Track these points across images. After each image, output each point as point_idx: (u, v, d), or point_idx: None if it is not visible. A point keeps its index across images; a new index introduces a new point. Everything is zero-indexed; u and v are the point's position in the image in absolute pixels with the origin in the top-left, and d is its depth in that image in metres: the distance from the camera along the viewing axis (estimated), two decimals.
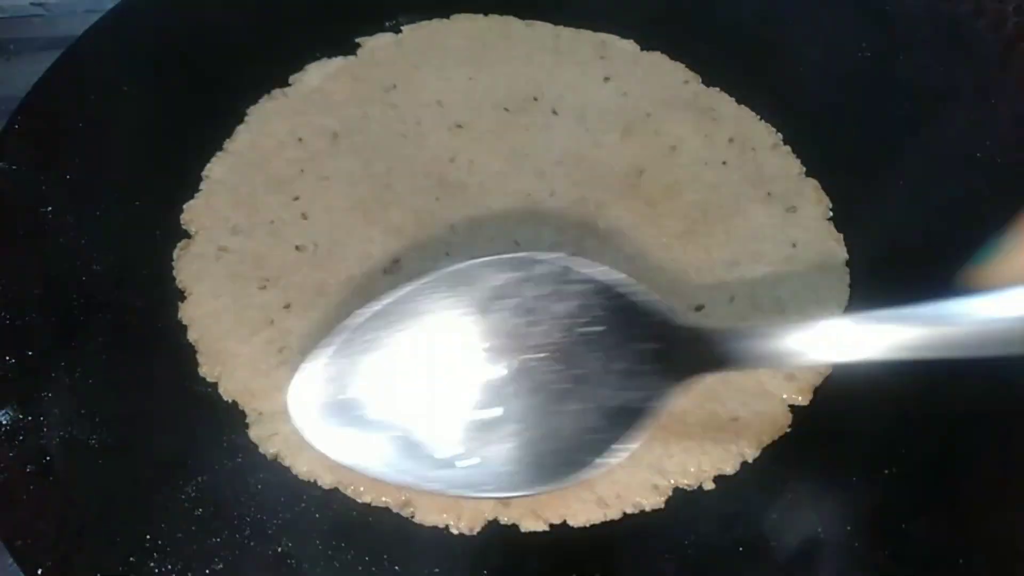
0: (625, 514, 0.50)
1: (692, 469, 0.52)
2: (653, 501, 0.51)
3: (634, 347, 0.39)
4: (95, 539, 0.46)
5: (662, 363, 0.39)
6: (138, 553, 0.46)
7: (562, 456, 0.41)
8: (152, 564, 0.46)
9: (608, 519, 0.50)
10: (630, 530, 0.50)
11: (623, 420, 0.41)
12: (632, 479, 0.52)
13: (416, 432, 0.40)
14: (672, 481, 0.52)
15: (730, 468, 0.52)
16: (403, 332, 0.40)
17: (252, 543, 0.47)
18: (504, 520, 0.50)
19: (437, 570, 0.47)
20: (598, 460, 0.41)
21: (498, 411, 0.40)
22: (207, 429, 0.52)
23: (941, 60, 0.77)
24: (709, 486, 0.52)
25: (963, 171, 0.69)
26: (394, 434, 0.40)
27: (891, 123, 0.72)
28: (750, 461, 0.53)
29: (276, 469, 0.51)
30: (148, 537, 0.47)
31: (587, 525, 0.50)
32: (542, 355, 0.40)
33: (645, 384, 0.40)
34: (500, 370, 0.40)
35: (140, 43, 0.73)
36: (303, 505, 0.50)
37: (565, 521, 0.50)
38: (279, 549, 0.47)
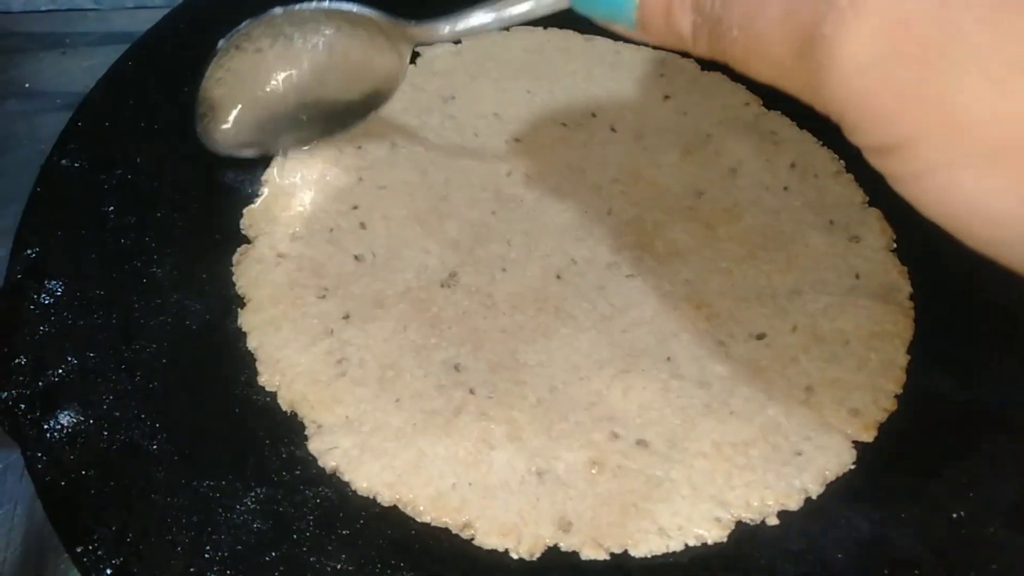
0: (687, 546, 0.50)
1: (755, 503, 0.51)
2: (715, 534, 0.50)
3: (373, 36, 0.58)
4: (155, 548, 0.46)
5: (394, 41, 0.58)
6: (197, 564, 0.46)
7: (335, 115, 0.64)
8: None
9: (670, 550, 0.49)
10: (691, 562, 0.49)
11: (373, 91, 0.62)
12: (694, 511, 0.51)
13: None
14: (734, 514, 0.51)
15: (794, 504, 0.51)
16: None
17: (311, 559, 0.47)
18: (564, 547, 0.49)
19: None
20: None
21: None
22: (266, 440, 0.52)
23: None
24: (772, 521, 0.51)
25: None
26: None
27: None
28: (814, 497, 0.52)
29: (335, 484, 0.50)
30: (208, 548, 0.46)
31: (648, 556, 0.49)
32: (313, 51, 0.60)
33: (384, 60, 0.60)
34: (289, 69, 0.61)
35: (202, 43, 0.72)
36: (362, 522, 0.49)
37: (626, 550, 0.49)
38: (338, 566, 0.47)
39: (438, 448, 0.52)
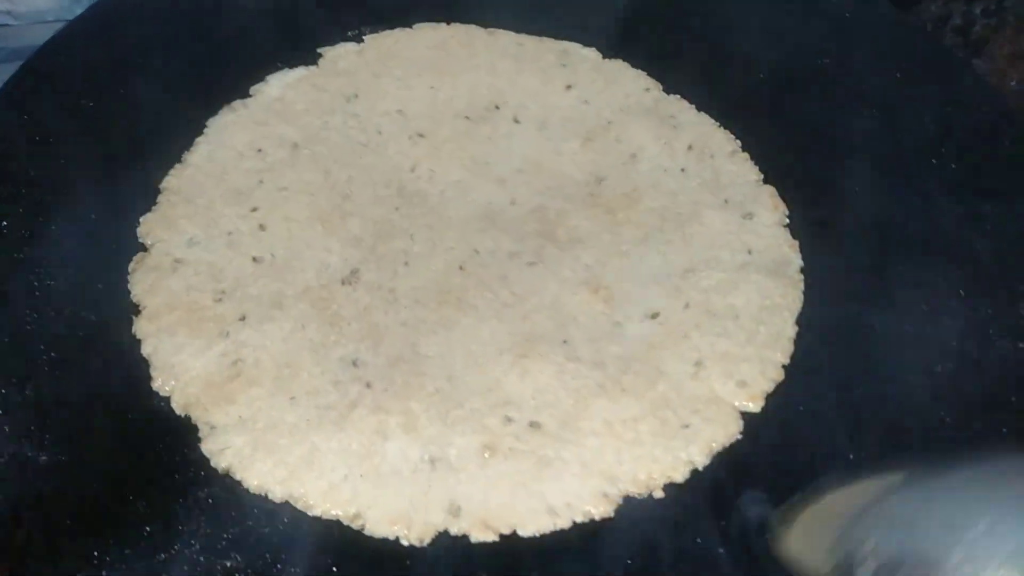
0: (575, 523, 0.51)
1: (642, 477, 0.52)
2: (603, 510, 0.51)
3: None
4: (42, 557, 0.46)
5: None
6: (85, 570, 0.46)
7: None
8: None
9: (558, 528, 0.50)
10: (579, 539, 0.50)
11: None
12: (582, 488, 0.52)
13: None
14: (622, 489, 0.52)
15: (680, 476, 0.53)
16: None
17: (201, 558, 0.47)
18: (455, 531, 0.50)
19: None
20: None
21: None
22: (159, 444, 0.52)
23: (902, 66, 0.77)
24: (659, 494, 0.52)
25: (921, 179, 0.69)
26: None
27: (850, 130, 0.73)
28: (700, 469, 0.53)
29: (227, 484, 0.51)
30: (96, 554, 0.47)
31: (537, 535, 0.50)
32: None
33: None
34: None
35: (98, 56, 0.72)
36: (253, 520, 0.49)
37: (515, 531, 0.50)
38: (228, 564, 0.47)
39: (331, 442, 0.53)
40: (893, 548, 0.41)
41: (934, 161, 0.70)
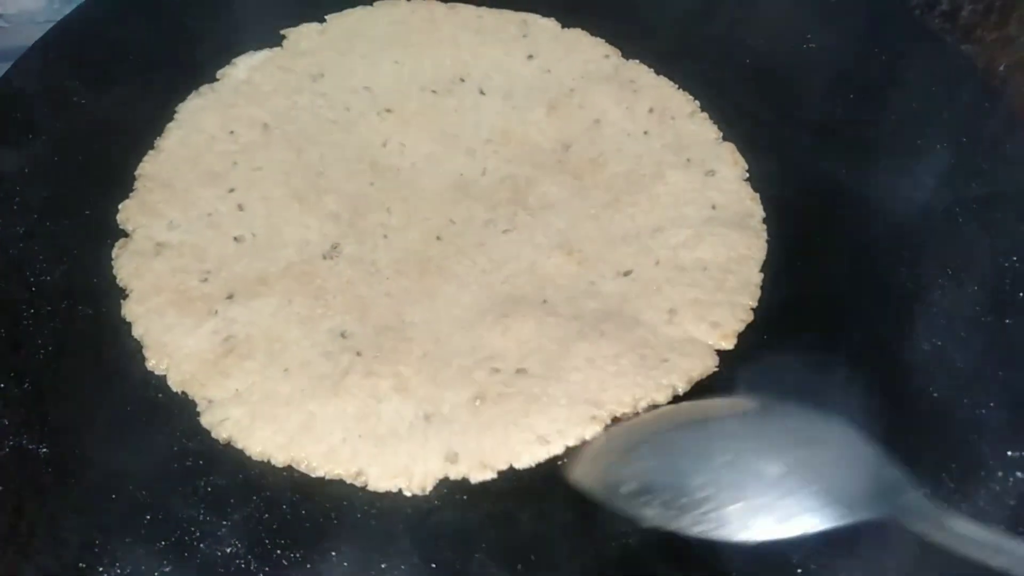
0: (567, 448, 0.53)
1: (627, 399, 0.56)
2: (592, 431, 0.54)
3: None
4: (44, 547, 0.47)
5: None
6: (87, 559, 0.47)
7: None
8: (101, 569, 0.47)
9: (552, 455, 0.53)
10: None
11: None
12: (571, 414, 0.55)
13: None
14: (609, 411, 0.55)
15: (663, 398, 0.56)
16: None
17: (202, 545, 0.49)
18: (454, 476, 0.52)
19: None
20: None
21: None
22: (157, 434, 0.53)
23: (851, 28, 0.81)
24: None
25: (868, 123, 0.73)
26: None
27: (804, 86, 0.76)
28: (681, 393, 0.56)
29: (226, 472, 0.52)
30: (97, 543, 0.48)
31: (533, 465, 0.53)
32: None
33: None
34: None
35: (88, 56, 0.73)
36: (252, 507, 0.51)
37: (511, 465, 0.53)
38: (228, 550, 0.49)
39: (327, 408, 0.55)
40: (649, 475, 0.49)
41: (885, 104, 0.73)
